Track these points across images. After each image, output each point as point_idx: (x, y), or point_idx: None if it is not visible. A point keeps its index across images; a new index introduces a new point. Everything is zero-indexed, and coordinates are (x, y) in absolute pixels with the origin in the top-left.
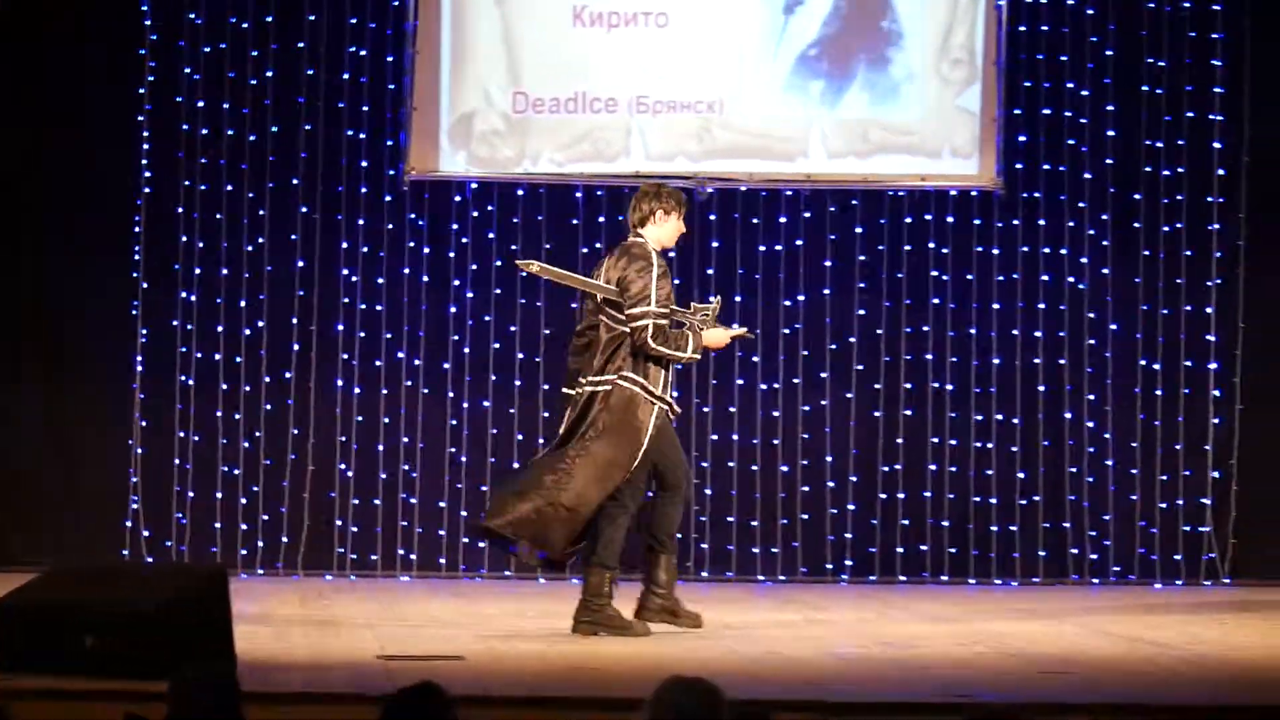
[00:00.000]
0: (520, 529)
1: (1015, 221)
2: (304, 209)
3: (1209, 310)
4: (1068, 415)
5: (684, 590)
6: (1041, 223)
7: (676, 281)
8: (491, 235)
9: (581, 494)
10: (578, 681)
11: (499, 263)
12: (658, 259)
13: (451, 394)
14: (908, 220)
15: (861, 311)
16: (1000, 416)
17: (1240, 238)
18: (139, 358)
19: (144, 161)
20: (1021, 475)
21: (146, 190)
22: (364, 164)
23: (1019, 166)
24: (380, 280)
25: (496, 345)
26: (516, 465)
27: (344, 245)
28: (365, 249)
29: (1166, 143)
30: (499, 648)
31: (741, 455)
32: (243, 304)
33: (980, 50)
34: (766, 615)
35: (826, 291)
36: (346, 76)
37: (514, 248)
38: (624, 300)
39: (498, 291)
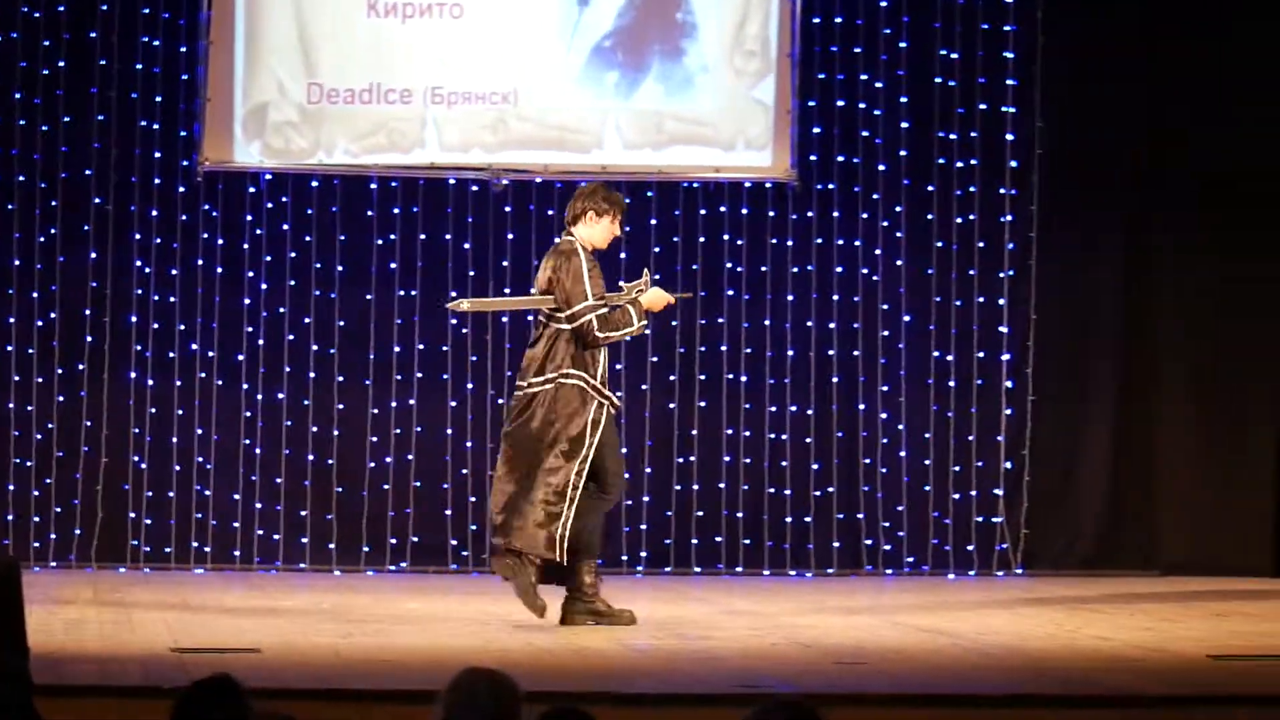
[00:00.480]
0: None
1: (809, 213)
2: (97, 200)
3: (1001, 302)
4: (861, 407)
5: (477, 583)
6: (835, 215)
7: (472, 273)
8: (286, 227)
9: (552, 500)
10: (373, 674)
11: (294, 254)
12: (586, 255)
13: (246, 386)
14: (702, 212)
15: None
16: (794, 408)
17: (1032, 230)
18: None
19: None
20: (816, 467)
21: None
22: (158, 155)
23: (813, 158)
24: (174, 271)
25: (291, 337)
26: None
27: (137, 236)
28: (159, 240)
29: (960, 135)
30: (294, 640)
31: None
32: (34, 295)
33: (774, 42)
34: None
35: (621, 283)
36: (140, 67)
37: (308, 239)
38: (559, 301)
39: (292, 283)
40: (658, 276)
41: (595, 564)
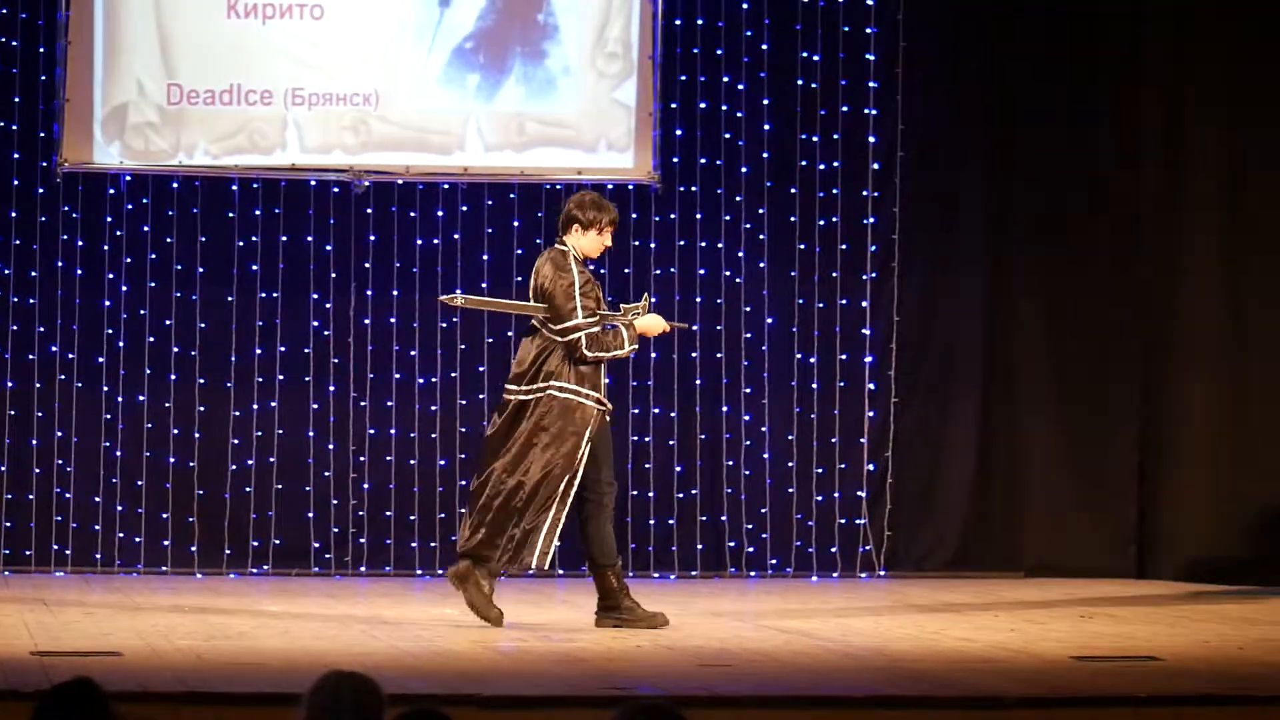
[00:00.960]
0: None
1: (672, 215)
2: None
3: (864, 304)
4: (725, 409)
5: (340, 586)
6: (698, 216)
7: (334, 275)
8: (146, 228)
9: (540, 509)
10: (236, 677)
11: (154, 256)
12: (578, 269)
13: (106, 388)
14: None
15: None
16: (657, 410)
17: (895, 232)
18: None
19: None
20: (679, 469)
21: None
22: (16, 156)
23: (675, 160)
24: (34, 273)
25: (152, 339)
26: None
27: None
28: (18, 241)
29: (822, 137)
30: (157, 643)
31: (399, 449)
32: None
33: (636, 44)
34: (426, 610)
35: (484, 285)
36: None
37: (169, 240)
38: (550, 313)
39: (153, 285)
40: (655, 299)
41: (619, 568)
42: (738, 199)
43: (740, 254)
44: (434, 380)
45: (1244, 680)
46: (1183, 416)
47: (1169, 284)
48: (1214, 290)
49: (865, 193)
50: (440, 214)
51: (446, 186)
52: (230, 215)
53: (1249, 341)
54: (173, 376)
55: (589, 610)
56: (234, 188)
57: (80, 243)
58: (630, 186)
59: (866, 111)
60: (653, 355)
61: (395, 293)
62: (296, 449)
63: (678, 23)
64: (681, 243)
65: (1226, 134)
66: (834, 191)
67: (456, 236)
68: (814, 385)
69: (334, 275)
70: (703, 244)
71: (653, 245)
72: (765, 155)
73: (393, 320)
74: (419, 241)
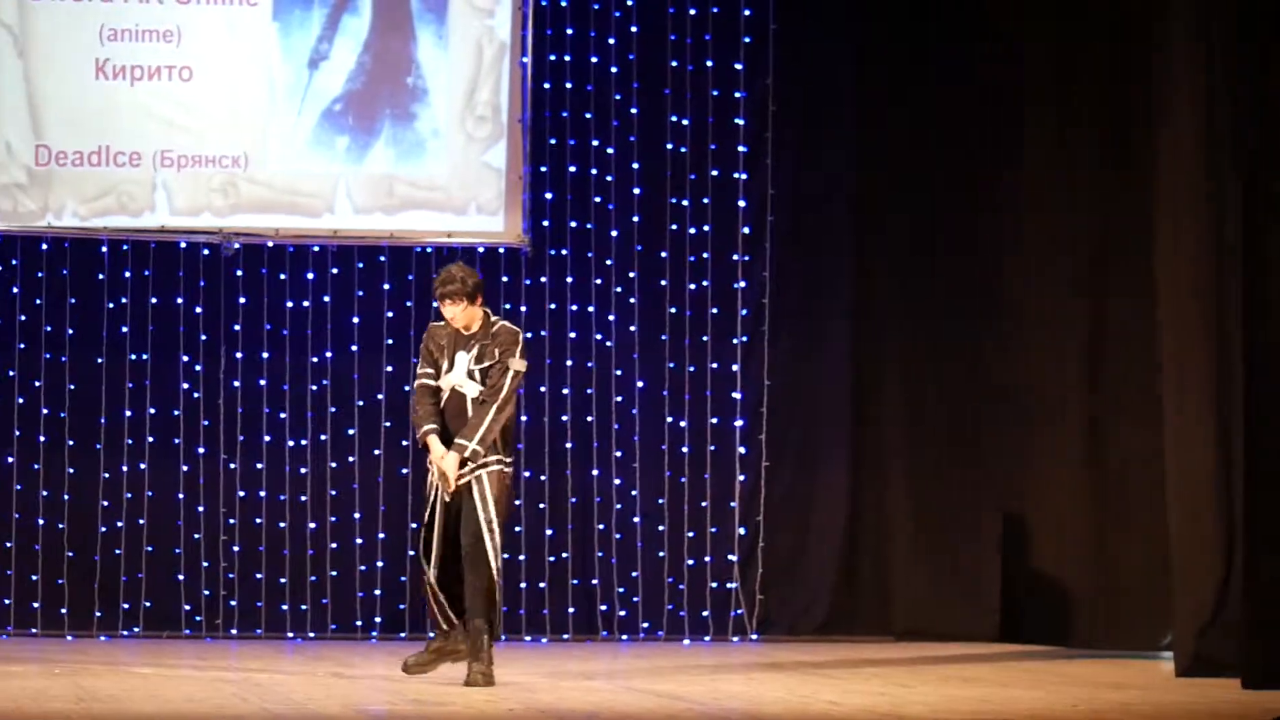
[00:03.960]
0: None
1: (543, 279)
2: None
3: (735, 367)
4: (596, 472)
5: (211, 649)
6: (569, 280)
7: (204, 337)
8: (16, 290)
9: None
10: None
11: (24, 318)
12: (432, 330)
13: None
14: (435, 277)
15: (389, 368)
16: (528, 474)
17: (765, 296)
18: None
19: None
20: (550, 532)
21: None
22: None
23: (546, 224)
24: None
25: (21, 400)
26: None
27: None
28: None
29: (692, 200)
30: (26, 706)
31: (270, 512)
32: None
33: (505, 107)
34: (297, 672)
35: (354, 348)
36: None
37: (38, 302)
38: None
39: (22, 346)
40: None
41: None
42: (608, 262)
43: (611, 317)
44: (304, 443)
45: None
46: (1045, 483)
47: (1034, 355)
48: (1076, 368)
49: (735, 257)
50: (310, 276)
51: (316, 249)
52: (100, 277)
53: (1105, 416)
54: (42, 438)
55: (462, 673)
56: (103, 250)
57: None
58: (501, 250)
59: (736, 175)
60: (523, 419)
61: (265, 355)
62: (166, 511)
63: (547, 86)
64: (552, 306)
65: (1099, 218)
66: (704, 256)
67: (327, 299)
68: (685, 449)
69: (204, 337)
70: (573, 308)
71: (523, 309)
72: (635, 219)
73: (263, 382)
74: (289, 304)
